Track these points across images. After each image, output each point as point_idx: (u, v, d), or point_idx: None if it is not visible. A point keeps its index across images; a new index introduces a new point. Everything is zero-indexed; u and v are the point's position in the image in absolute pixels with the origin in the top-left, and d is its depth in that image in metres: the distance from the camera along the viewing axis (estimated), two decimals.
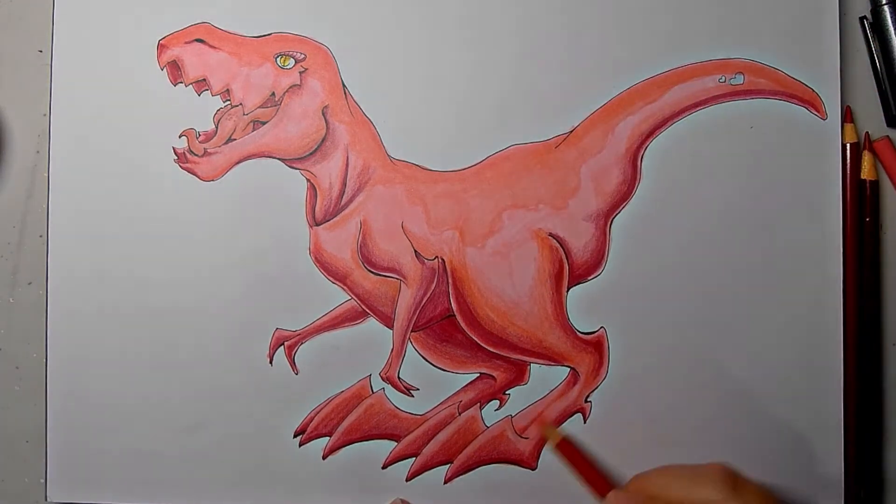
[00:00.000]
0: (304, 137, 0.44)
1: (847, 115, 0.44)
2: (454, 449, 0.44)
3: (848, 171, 0.44)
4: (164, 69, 0.45)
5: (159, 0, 0.45)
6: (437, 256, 0.44)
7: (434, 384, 0.44)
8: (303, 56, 0.44)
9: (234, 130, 0.44)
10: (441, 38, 0.44)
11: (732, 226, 0.44)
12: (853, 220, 0.44)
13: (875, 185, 0.44)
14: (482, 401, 0.44)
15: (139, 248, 0.44)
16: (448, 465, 0.44)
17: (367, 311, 0.44)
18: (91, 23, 0.45)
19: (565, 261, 0.44)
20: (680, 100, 0.44)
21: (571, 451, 0.43)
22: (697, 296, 0.44)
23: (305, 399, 0.44)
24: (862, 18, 0.45)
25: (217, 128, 0.44)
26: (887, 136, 0.45)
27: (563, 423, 0.44)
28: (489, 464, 0.44)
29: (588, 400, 0.44)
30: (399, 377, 0.44)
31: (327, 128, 0.44)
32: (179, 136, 0.45)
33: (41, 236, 0.46)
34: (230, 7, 0.45)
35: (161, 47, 0.45)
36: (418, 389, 0.44)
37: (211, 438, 0.44)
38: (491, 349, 0.44)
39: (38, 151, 0.46)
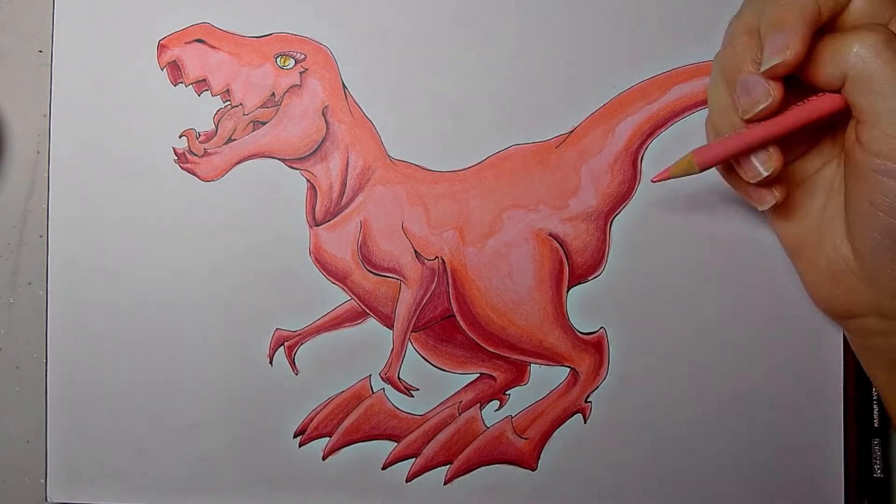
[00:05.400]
0: (304, 138, 0.44)
1: None
2: (454, 449, 0.44)
3: None
4: (164, 69, 0.45)
5: (159, 0, 0.45)
6: (437, 257, 0.44)
7: (434, 384, 0.44)
8: (303, 56, 0.44)
9: (234, 131, 0.44)
10: (441, 38, 0.44)
11: (732, 225, 0.44)
12: None
13: None
14: (482, 401, 0.44)
15: (139, 249, 0.44)
16: (448, 466, 0.44)
17: (368, 311, 0.44)
18: (91, 23, 0.45)
19: (565, 261, 0.44)
20: (680, 100, 0.44)
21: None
22: (697, 295, 0.44)
23: (305, 399, 0.44)
24: None
25: (217, 128, 0.44)
26: None
27: (563, 423, 0.44)
28: (489, 464, 0.44)
29: (588, 400, 0.44)
30: (399, 377, 0.44)
31: (327, 128, 0.44)
32: (179, 137, 0.45)
33: (41, 236, 0.46)
34: (230, 7, 0.45)
35: (161, 47, 0.45)
36: (418, 390, 0.44)
37: (211, 438, 0.44)
38: (491, 349, 0.44)
39: (38, 151, 0.46)
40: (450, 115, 0.44)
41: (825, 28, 0.35)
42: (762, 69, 0.35)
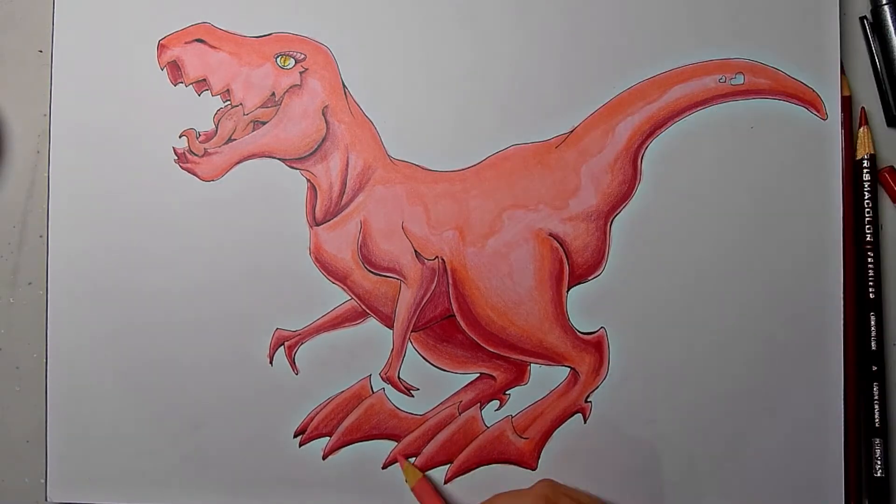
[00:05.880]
0: (304, 137, 0.44)
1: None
2: (454, 449, 0.44)
3: (847, 163, 0.44)
4: (164, 69, 0.45)
5: (159, 0, 0.45)
6: (437, 256, 0.44)
7: (434, 384, 0.44)
8: (303, 56, 0.44)
9: (235, 130, 0.44)
10: (441, 38, 0.44)
11: (732, 225, 0.44)
12: (853, 220, 0.44)
13: (874, 181, 0.44)
14: (482, 401, 0.44)
15: (139, 248, 0.44)
16: (448, 465, 0.44)
17: (368, 311, 0.44)
18: (91, 23, 0.45)
19: (565, 261, 0.44)
20: (680, 100, 0.44)
21: (427, 491, 0.43)
22: (697, 295, 0.44)
23: (305, 399, 0.44)
24: (862, 18, 0.45)
25: (217, 128, 0.44)
26: (892, 165, 0.45)
27: (563, 423, 0.44)
28: (489, 464, 0.44)
29: (588, 400, 0.44)
30: (399, 377, 0.44)
31: (327, 128, 0.44)
32: (179, 136, 0.45)
33: (41, 236, 0.46)
34: (230, 7, 0.45)
35: (161, 47, 0.45)
36: (418, 389, 0.44)
37: (211, 438, 0.44)
38: (491, 349, 0.44)
39: (38, 151, 0.46)
40: (450, 115, 0.44)
41: None
42: None
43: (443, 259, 0.44)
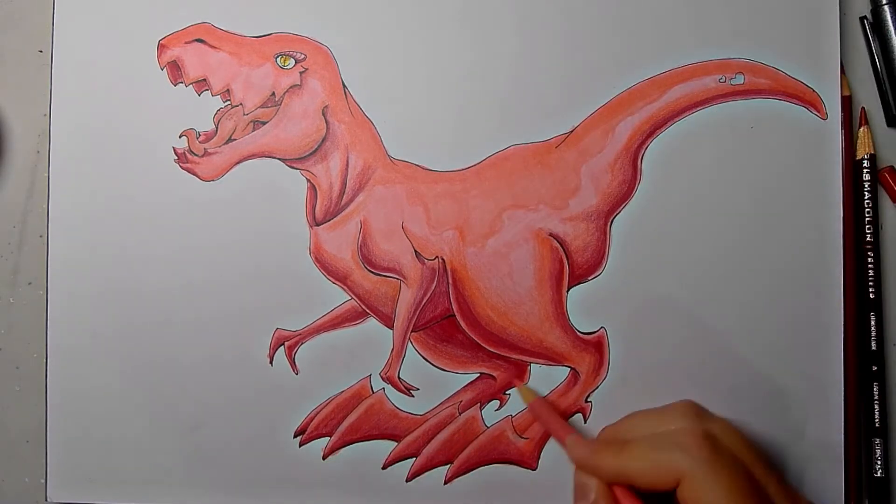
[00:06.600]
0: (304, 137, 0.44)
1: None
2: (454, 449, 0.44)
3: (847, 163, 0.44)
4: (164, 69, 0.45)
5: (159, 0, 0.45)
6: (437, 256, 0.44)
7: (434, 384, 0.44)
8: (303, 56, 0.44)
9: (235, 130, 0.44)
10: (441, 38, 0.44)
11: (732, 225, 0.44)
12: (853, 220, 0.44)
13: (875, 182, 0.44)
14: (482, 401, 0.44)
15: (139, 248, 0.44)
16: (448, 466, 0.44)
17: (368, 311, 0.44)
18: (91, 23, 0.45)
19: (565, 261, 0.44)
20: (680, 100, 0.44)
21: (544, 408, 0.43)
22: (697, 296, 0.44)
23: (305, 399, 0.44)
24: (862, 18, 0.45)
25: (217, 128, 0.44)
26: (892, 165, 0.45)
27: None
28: (489, 464, 0.44)
29: (588, 400, 0.44)
30: (399, 377, 0.44)
31: (327, 128, 0.44)
32: (179, 136, 0.45)
33: (41, 236, 0.46)
34: (230, 7, 0.45)
35: (161, 47, 0.45)
36: (418, 389, 0.44)
37: (211, 438, 0.44)
38: (491, 349, 0.44)
39: (38, 151, 0.46)
40: (450, 115, 0.44)
41: None
42: None
43: (443, 259, 0.44)
